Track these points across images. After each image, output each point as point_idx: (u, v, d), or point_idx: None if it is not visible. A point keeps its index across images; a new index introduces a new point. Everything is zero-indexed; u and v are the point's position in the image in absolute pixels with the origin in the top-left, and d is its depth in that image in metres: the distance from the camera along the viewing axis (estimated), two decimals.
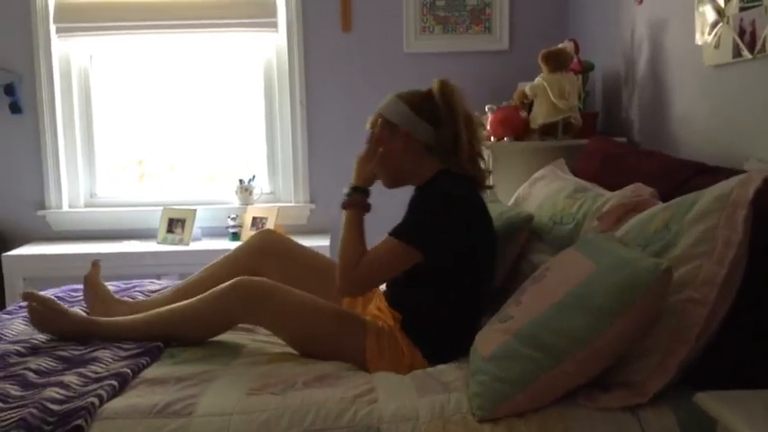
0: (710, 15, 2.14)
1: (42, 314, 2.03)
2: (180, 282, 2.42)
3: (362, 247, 1.96)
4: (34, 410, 1.52)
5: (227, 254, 2.29)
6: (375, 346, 1.91)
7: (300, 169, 3.89)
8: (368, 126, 2.13)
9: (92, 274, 2.27)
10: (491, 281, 2.08)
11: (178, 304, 2.02)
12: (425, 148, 2.06)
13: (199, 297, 1.99)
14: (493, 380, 1.54)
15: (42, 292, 2.58)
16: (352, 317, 2.01)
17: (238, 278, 1.96)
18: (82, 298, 2.41)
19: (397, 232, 1.92)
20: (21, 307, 2.38)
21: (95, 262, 2.30)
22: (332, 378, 1.75)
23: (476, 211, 2.01)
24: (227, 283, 1.95)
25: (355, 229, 1.99)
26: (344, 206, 2.04)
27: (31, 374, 1.75)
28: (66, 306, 2.11)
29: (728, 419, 1.30)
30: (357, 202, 2.03)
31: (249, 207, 3.86)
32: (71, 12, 3.77)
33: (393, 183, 2.13)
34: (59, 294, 2.47)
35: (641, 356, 1.52)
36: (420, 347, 1.93)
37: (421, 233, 1.92)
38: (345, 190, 2.06)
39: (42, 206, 3.90)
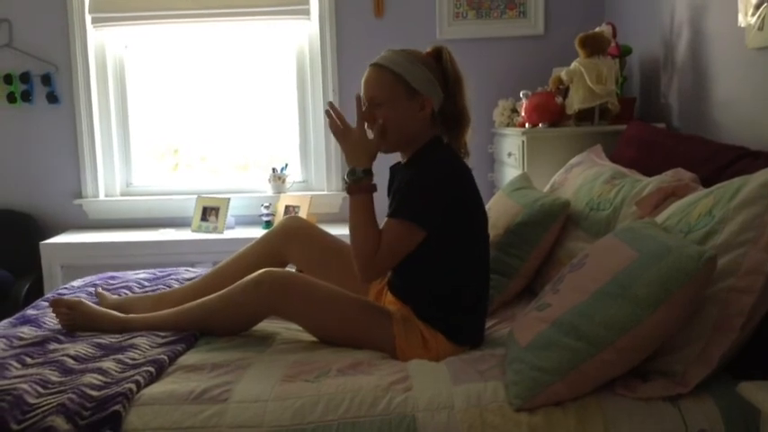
0: None
1: (72, 318, 2.03)
2: (211, 268, 2.42)
3: (378, 232, 1.89)
4: (73, 396, 1.54)
5: (256, 240, 2.30)
6: (403, 333, 1.90)
7: (333, 158, 3.88)
8: (363, 95, 2.04)
9: (101, 301, 2.21)
10: (488, 249, 2.04)
11: (205, 299, 2.00)
12: (434, 116, 2.00)
13: (225, 291, 1.96)
14: (531, 368, 1.52)
15: (80, 280, 2.63)
16: (376, 307, 1.99)
17: (263, 271, 1.93)
18: (119, 286, 2.44)
19: (401, 213, 1.87)
20: (59, 294, 2.41)
21: (97, 292, 2.27)
22: (366, 365, 1.74)
23: (469, 181, 1.96)
24: (251, 278, 1.92)
25: (369, 214, 1.91)
26: (354, 191, 1.91)
27: (69, 361, 1.77)
28: (95, 306, 2.08)
29: None
30: (366, 186, 1.93)
31: (282, 195, 3.87)
32: (106, 2, 3.80)
33: (394, 147, 2.04)
34: (96, 282, 2.50)
35: (683, 346, 1.49)
36: (440, 331, 1.91)
37: (424, 212, 1.87)
38: (357, 172, 1.91)
39: (79, 195, 3.96)
